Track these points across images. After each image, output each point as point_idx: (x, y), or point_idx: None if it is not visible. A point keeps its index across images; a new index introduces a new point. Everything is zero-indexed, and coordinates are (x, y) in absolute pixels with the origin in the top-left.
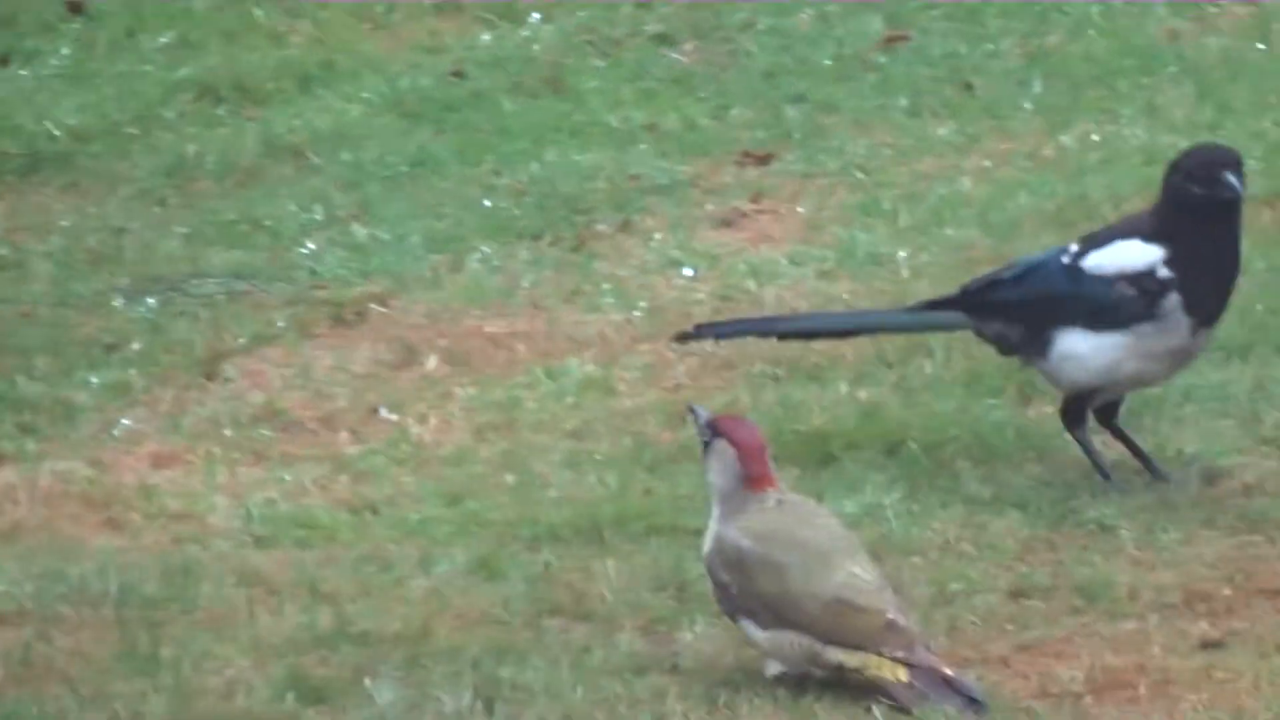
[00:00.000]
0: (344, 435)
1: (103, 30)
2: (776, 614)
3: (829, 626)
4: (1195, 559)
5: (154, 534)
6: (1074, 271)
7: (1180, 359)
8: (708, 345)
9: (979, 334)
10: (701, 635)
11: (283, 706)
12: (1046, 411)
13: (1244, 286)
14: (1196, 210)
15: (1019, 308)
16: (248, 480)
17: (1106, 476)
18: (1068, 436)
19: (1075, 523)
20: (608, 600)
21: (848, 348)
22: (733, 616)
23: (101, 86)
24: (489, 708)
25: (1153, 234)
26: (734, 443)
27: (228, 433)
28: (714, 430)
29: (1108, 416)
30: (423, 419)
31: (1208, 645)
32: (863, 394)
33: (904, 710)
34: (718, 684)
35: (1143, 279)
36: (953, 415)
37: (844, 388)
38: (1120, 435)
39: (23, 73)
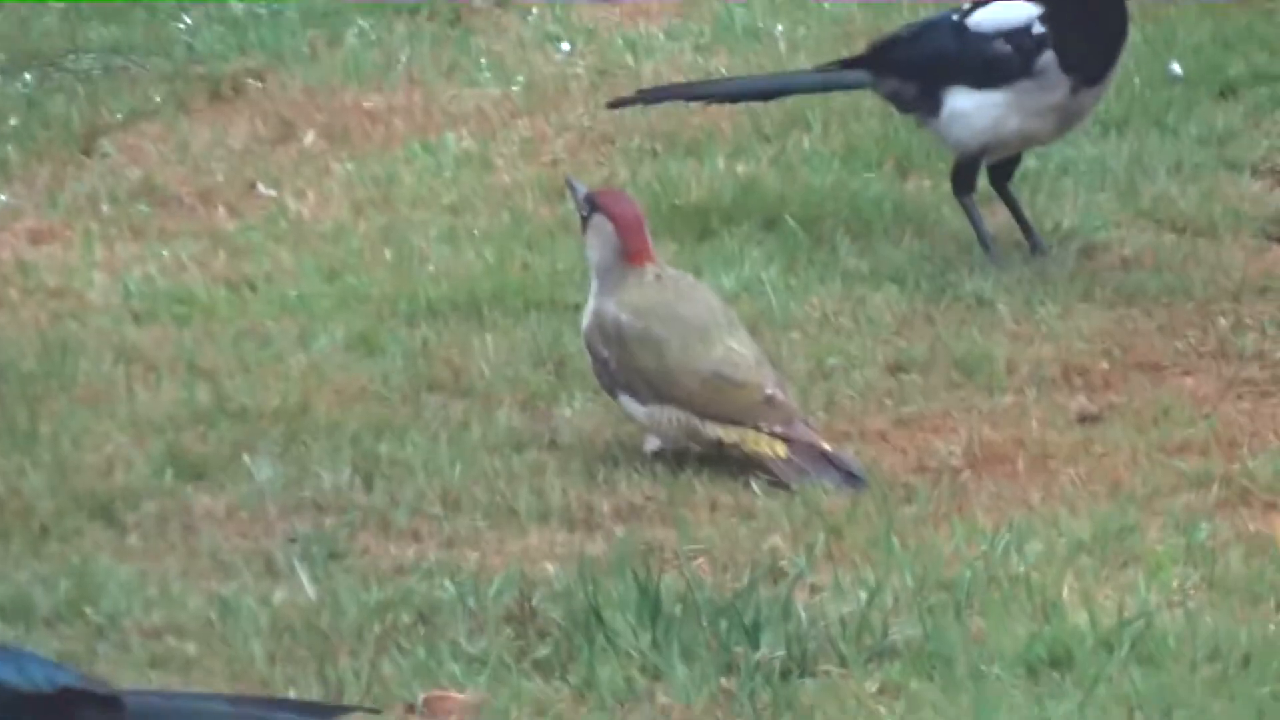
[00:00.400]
0: (221, 211)
1: None
2: (655, 389)
3: (707, 401)
4: (1073, 333)
5: (31, 310)
6: (960, 29)
7: (1065, 118)
8: (585, 119)
9: (878, 92)
10: (579, 411)
11: (161, 482)
12: (924, 185)
13: (1122, 59)
14: None
15: (913, 66)
16: (125, 256)
17: (987, 247)
18: (952, 204)
19: (953, 296)
20: (486, 376)
21: (725, 122)
22: (612, 392)
23: None
24: (368, 483)
25: None
26: (612, 217)
27: (105, 209)
28: (592, 205)
29: (1000, 179)
30: (300, 195)
31: (1085, 419)
32: (740, 168)
33: (782, 485)
34: (596, 459)
35: (1019, 35)
36: (830, 189)
37: (721, 162)
38: (1009, 200)
39: None
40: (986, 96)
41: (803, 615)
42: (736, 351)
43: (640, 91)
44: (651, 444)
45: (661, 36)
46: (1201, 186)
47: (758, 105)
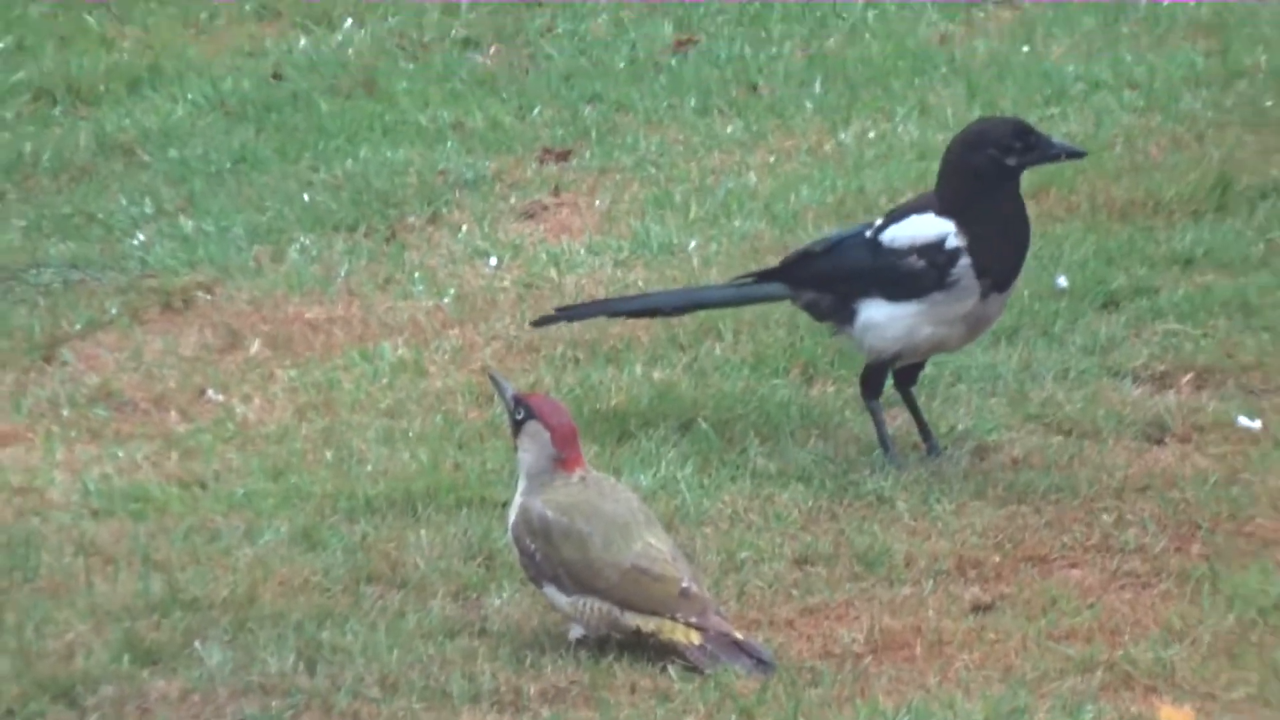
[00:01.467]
0: (174, 415)
1: None
2: (578, 580)
3: (627, 593)
4: (967, 528)
5: None
6: (874, 245)
7: (974, 325)
8: (511, 329)
9: (795, 303)
10: (508, 601)
11: (119, 667)
12: (829, 390)
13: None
14: (987, 178)
15: (828, 279)
16: (84, 457)
17: (887, 449)
18: (854, 408)
19: (855, 494)
20: (421, 568)
21: (643, 332)
22: (537, 583)
23: None
24: (311, 669)
25: (943, 208)
26: (548, 426)
27: (65, 412)
28: (527, 411)
29: (905, 383)
30: (247, 399)
31: (978, 608)
32: (657, 374)
33: (697, 670)
34: (524, 646)
35: (932, 250)
36: (740, 394)
37: (639, 369)
38: (910, 403)
39: None
40: (900, 308)
41: None
42: (654, 547)
43: (559, 309)
44: (575, 632)
45: (583, 251)
46: (1086, 392)
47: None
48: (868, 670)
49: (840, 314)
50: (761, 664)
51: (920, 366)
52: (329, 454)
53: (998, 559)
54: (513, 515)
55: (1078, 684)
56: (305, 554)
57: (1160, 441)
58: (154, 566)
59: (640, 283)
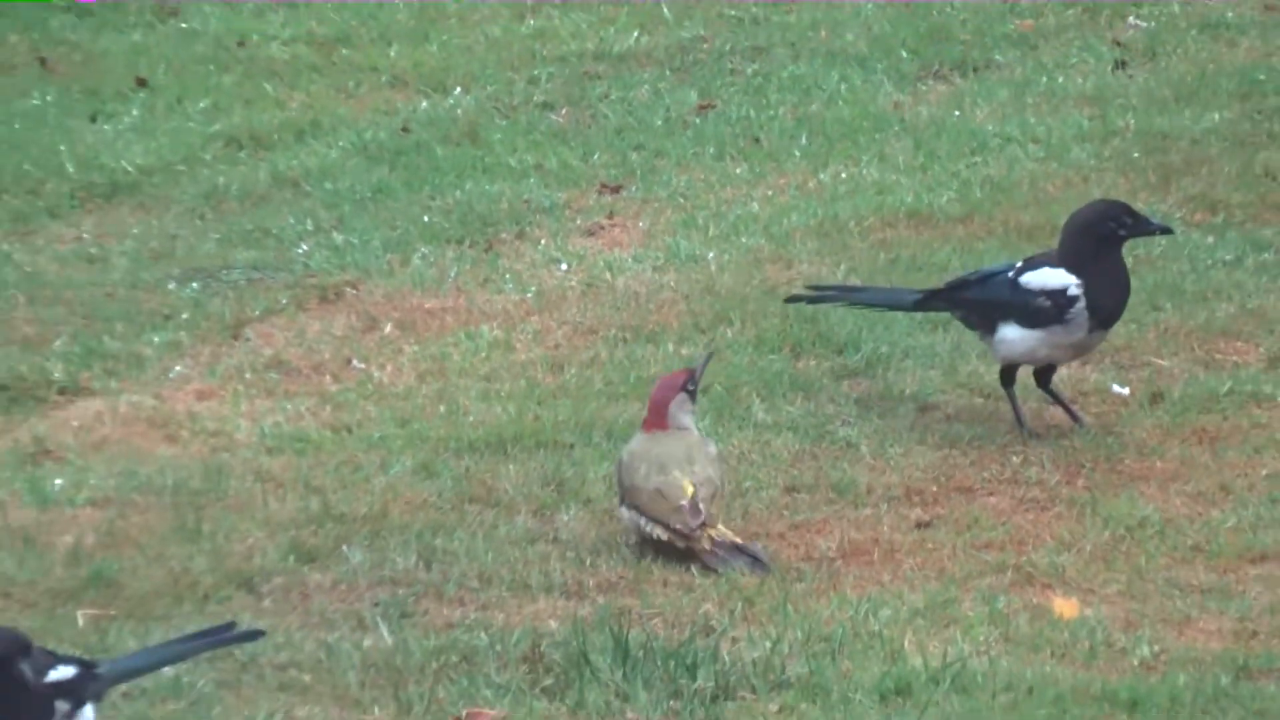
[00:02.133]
0: (327, 378)
1: (160, 98)
2: (628, 497)
3: (647, 506)
4: (912, 466)
5: (197, 446)
6: (1014, 284)
7: (1079, 350)
8: (577, 317)
9: (953, 315)
10: (573, 517)
11: (286, 565)
12: (811, 364)
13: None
14: (1103, 244)
15: (977, 303)
16: (261, 409)
17: (1021, 423)
18: (831, 377)
19: (830, 441)
20: (509, 492)
21: (674, 319)
22: (620, 500)
23: (159, 136)
24: (428, 566)
25: (1066, 264)
26: (651, 396)
27: (247, 376)
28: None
29: (1044, 381)
30: (381, 367)
31: (920, 525)
32: (684, 350)
33: (710, 569)
34: (585, 551)
35: (1058, 295)
36: (746, 366)
37: (671, 346)
38: (1053, 394)
39: (105, 127)
40: (1028, 333)
41: (726, 658)
42: (677, 478)
43: (812, 289)
44: (630, 538)
45: (630, 260)
46: (999, 367)
47: (702, 305)
48: (839, 570)
49: (984, 328)
50: (758, 564)
51: (1054, 369)
52: (441, 408)
53: (935, 489)
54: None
55: (994, 581)
56: (424, 481)
57: (1052, 403)
58: (312, 490)
59: (672, 283)
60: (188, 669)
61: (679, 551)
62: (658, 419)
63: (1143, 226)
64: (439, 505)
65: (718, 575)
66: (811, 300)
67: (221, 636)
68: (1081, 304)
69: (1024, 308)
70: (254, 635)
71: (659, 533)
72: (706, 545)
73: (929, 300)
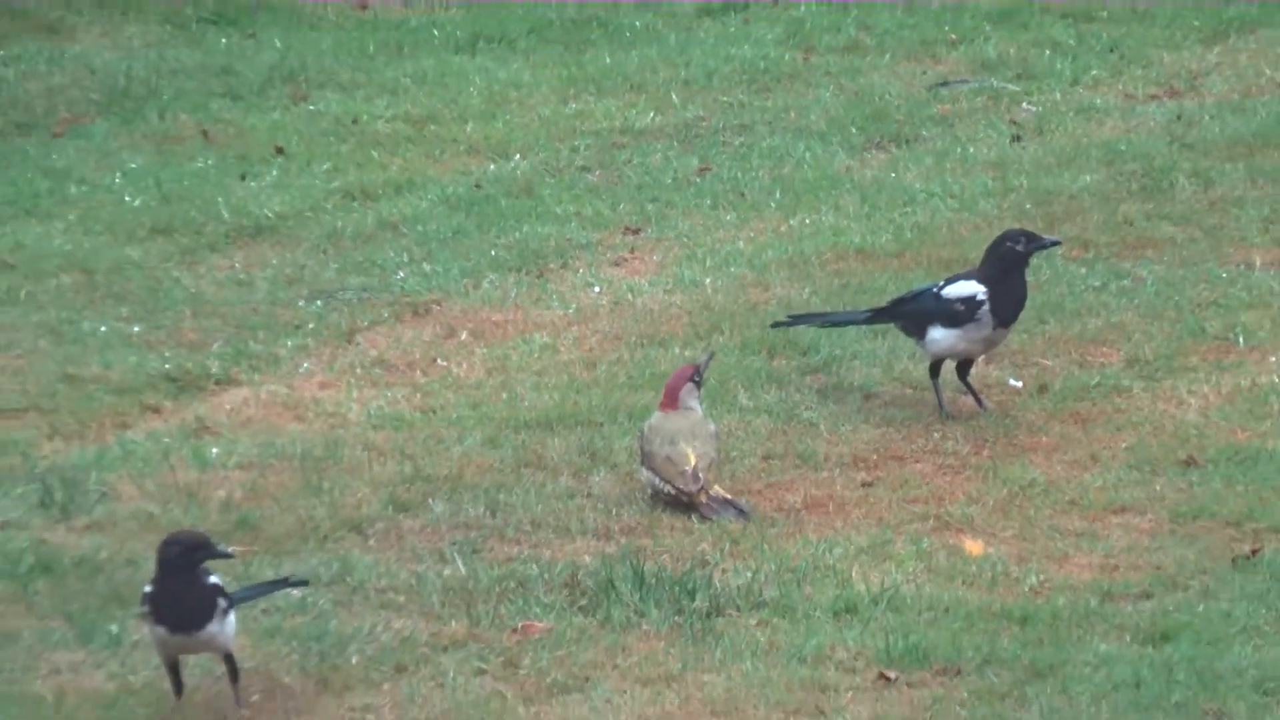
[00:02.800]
0: (418, 373)
1: (294, 162)
2: (647, 462)
3: (661, 470)
4: (858, 440)
5: (320, 424)
6: (938, 296)
7: (989, 344)
8: (606, 327)
9: (895, 325)
10: (603, 479)
11: (386, 513)
12: (784, 363)
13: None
14: (1006, 262)
15: (912, 313)
16: (369, 396)
17: (942, 407)
18: (798, 372)
19: (797, 421)
20: (554, 459)
21: (679, 330)
22: (641, 464)
23: (293, 191)
24: (493, 515)
25: (979, 278)
26: (667, 384)
27: (358, 371)
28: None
29: (963, 374)
30: (459, 364)
31: (865, 485)
32: (687, 352)
33: (706, 518)
34: (611, 504)
35: (968, 300)
36: (732, 365)
37: (677, 350)
38: (967, 385)
39: (252, 184)
40: (949, 331)
41: (717, 585)
42: (683, 449)
43: (791, 316)
44: (649, 493)
45: (646, 285)
46: (924, 366)
47: (700, 318)
48: (802, 519)
49: (918, 333)
50: (742, 513)
51: (971, 364)
52: (504, 395)
53: (875, 457)
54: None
55: (919, 527)
56: (490, 451)
57: (965, 394)
58: (406, 457)
59: (678, 302)
60: (310, 593)
61: (683, 504)
62: (671, 401)
63: (1037, 242)
64: (501, 469)
65: (712, 522)
66: (791, 324)
67: (285, 582)
68: (987, 307)
69: (945, 313)
70: (304, 582)
71: (669, 489)
72: (703, 499)
73: (877, 316)
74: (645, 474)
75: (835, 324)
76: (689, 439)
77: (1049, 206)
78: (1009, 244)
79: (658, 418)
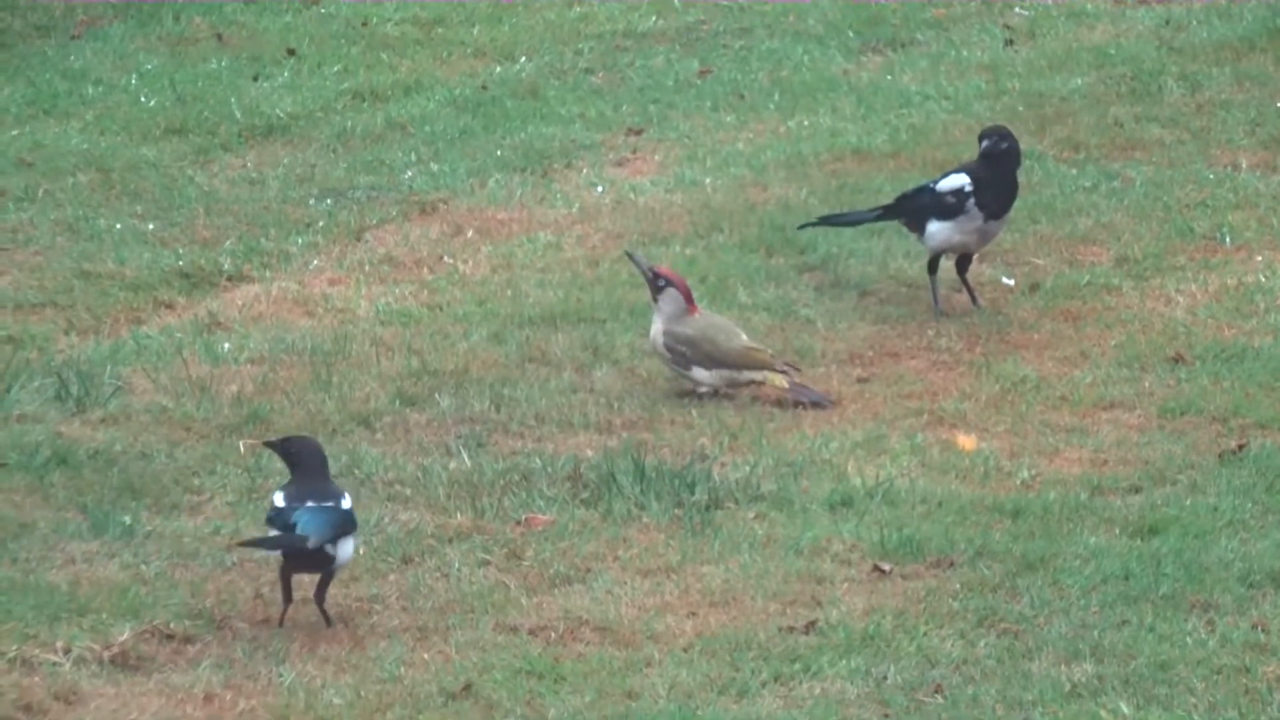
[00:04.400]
0: (425, 270)
1: (305, 63)
2: (714, 360)
3: (744, 361)
4: (855, 336)
5: (328, 320)
6: (933, 191)
7: (984, 236)
8: (608, 226)
9: (899, 221)
10: (605, 374)
11: (394, 407)
12: (782, 261)
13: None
14: (985, 156)
15: (911, 208)
16: (377, 292)
17: (937, 303)
18: (795, 272)
19: (795, 318)
20: (558, 355)
21: (681, 227)
22: (685, 367)
23: (304, 92)
24: (498, 409)
25: (968, 171)
26: (682, 292)
27: (366, 268)
28: (667, 281)
29: (962, 269)
30: (465, 262)
31: (861, 380)
32: (688, 250)
33: (786, 404)
34: (614, 398)
35: (957, 193)
36: (732, 263)
37: (677, 248)
38: (965, 281)
39: (264, 85)
40: (944, 224)
41: (716, 478)
42: (748, 340)
43: (822, 218)
44: (703, 389)
45: (648, 185)
46: (921, 264)
47: (701, 217)
48: (800, 414)
49: (919, 228)
50: (818, 403)
51: (969, 259)
52: (509, 292)
53: (871, 354)
54: (660, 336)
55: (913, 422)
56: (495, 346)
57: (959, 292)
58: (413, 352)
59: (679, 202)
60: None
61: (756, 391)
62: (694, 303)
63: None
64: (506, 364)
65: (711, 413)
66: (813, 226)
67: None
68: (972, 200)
69: (939, 205)
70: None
71: (756, 378)
72: (786, 385)
73: (884, 213)
74: (711, 373)
75: (850, 223)
76: (739, 332)
77: (1040, 109)
78: (986, 140)
79: (695, 322)
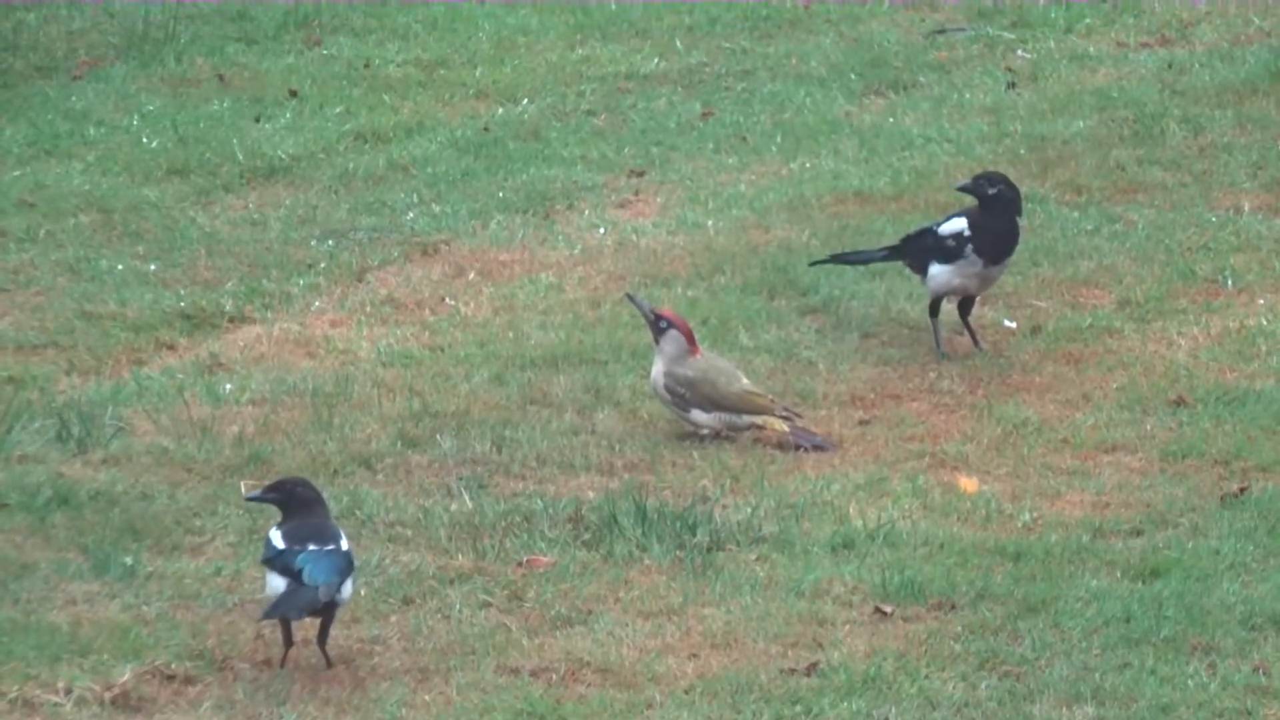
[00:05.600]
0: (426, 311)
1: (307, 105)
2: (714, 403)
3: (742, 405)
4: (856, 379)
5: (331, 361)
6: (935, 233)
7: (984, 281)
8: (610, 268)
9: (903, 263)
10: (606, 415)
11: (395, 449)
12: (783, 304)
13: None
14: (984, 202)
15: (914, 249)
16: (379, 334)
17: (939, 348)
18: (797, 314)
19: (796, 360)
20: (559, 396)
21: (683, 269)
22: (684, 410)
23: (306, 133)
24: (499, 451)
25: (968, 215)
26: (683, 334)
27: (368, 309)
28: (668, 323)
29: (965, 312)
30: (466, 304)
31: (862, 423)
32: (690, 293)
33: (793, 447)
34: (615, 440)
35: (957, 237)
36: (734, 305)
37: (679, 290)
38: (967, 324)
39: (266, 126)
40: (944, 267)
41: (718, 520)
42: (748, 384)
43: (832, 256)
44: (704, 431)
45: (650, 226)
46: (921, 307)
47: (703, 259)
48: (802, 456)
49: (921, 270)
50: (820, 447)
51: (972, 302)
52: (510, 333)
53: (872, 396)
54: (661, 378)
55: (915, 465)
56: (497, 388)
57: (960, 334)
58: (414, 393)
59: (680, 244)
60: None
61: (757, 435)
62: (696, 344)
63: (995, 186)
64: (507, 406)
65: (713, 456)
66: (824, 263)
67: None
68: (970, 245)
69: (940, 248)
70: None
71: (756, 422)
72: (786, 429)
73: (891, 254)
74: (710, 415)
75: (860, 262)
76: (739, 376)
77: (1042, 151)
78: (981, 185)
79: (696, 364)
